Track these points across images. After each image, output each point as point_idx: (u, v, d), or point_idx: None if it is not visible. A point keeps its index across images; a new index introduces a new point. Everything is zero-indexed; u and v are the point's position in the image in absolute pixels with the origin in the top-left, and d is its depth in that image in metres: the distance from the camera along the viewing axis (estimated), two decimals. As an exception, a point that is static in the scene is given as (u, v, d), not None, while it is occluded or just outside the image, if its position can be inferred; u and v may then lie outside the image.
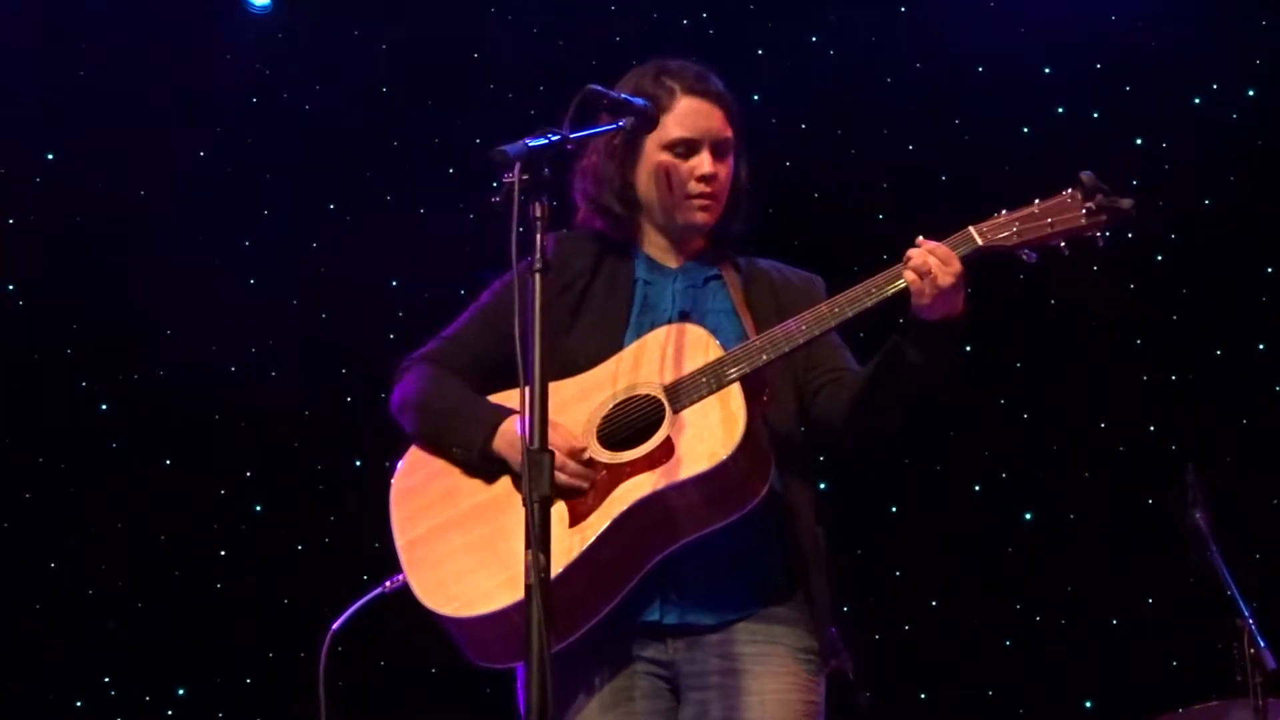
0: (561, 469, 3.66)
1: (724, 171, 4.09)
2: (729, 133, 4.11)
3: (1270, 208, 7.50)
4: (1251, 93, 7.66)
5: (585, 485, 3.73)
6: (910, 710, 7.33)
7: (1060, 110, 7.71)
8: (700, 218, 4.08)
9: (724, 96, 4.14)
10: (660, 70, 4.12)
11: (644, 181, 4.10)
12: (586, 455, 3.76)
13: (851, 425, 3.96)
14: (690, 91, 4.08)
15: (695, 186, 4.05)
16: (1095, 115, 7.69)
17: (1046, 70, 7.75)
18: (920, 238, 3.75)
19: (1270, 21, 7.61)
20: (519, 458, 3.71)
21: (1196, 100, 7.69)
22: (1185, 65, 7.59)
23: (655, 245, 4.16)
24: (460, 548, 3.82)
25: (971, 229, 3.76)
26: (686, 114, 4.04)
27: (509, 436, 3.81)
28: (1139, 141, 7.66)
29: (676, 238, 4.15)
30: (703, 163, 4.05)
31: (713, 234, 4.18)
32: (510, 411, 3.86)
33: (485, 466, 3.86)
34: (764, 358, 3.76)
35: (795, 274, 4.22)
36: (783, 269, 4.23)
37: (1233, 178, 7.56)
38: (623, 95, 3.80)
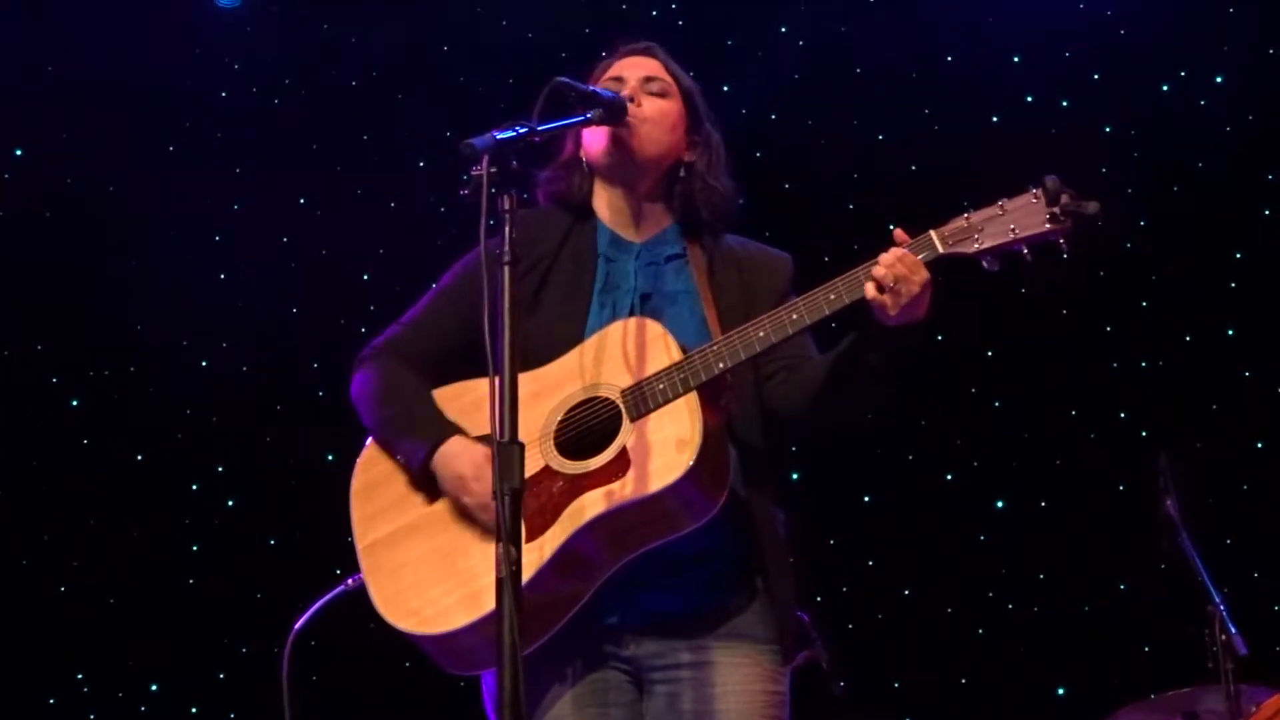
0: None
1: (655, 103, 4.07)
2: (662, 74, 4.13)
3: (1238, 194, 7.53)
4: (1219, 79, 7.68)
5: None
6: (883, 699, 7.34)
7: (1029, 99, 7.73)
8: (629, 128, 4.00)
9: (656, 50, 4.19)
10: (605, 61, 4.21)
11: (587, 144, 4.10)
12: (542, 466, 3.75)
13: (805, 416, 3.94)
14: (622, 54, 4.18)
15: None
16: (1064, 103, 7.71)
17: (1015, 59, 7.76)
18: (896, 231, 3.71)
19: (1238, 8, 7.63)
20: (453, 487, 3.76)
21: (1165, 87, 7.71)
22: (1154, 52, 7.61)
23: (614, 211, 4.12)
24: (418, 557, 3.81)
25: (933, 234, 3.67)
26: (618, 65, 4.12)
27: (447, 463, 3.80)
28: (1108, 129, 7.68)
29: (628, 187, 4.10)
30: (626, 88, 4.05)
31: (680, 217, 4.14)
32: (454, 431, 3.84)
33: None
34: (720, 366, 3.71)
35: (761, 251, 4.18)
36: (749, 245, 4.19)
37: (1201, 164, 7.59)
38: (591, 88, 3.80)
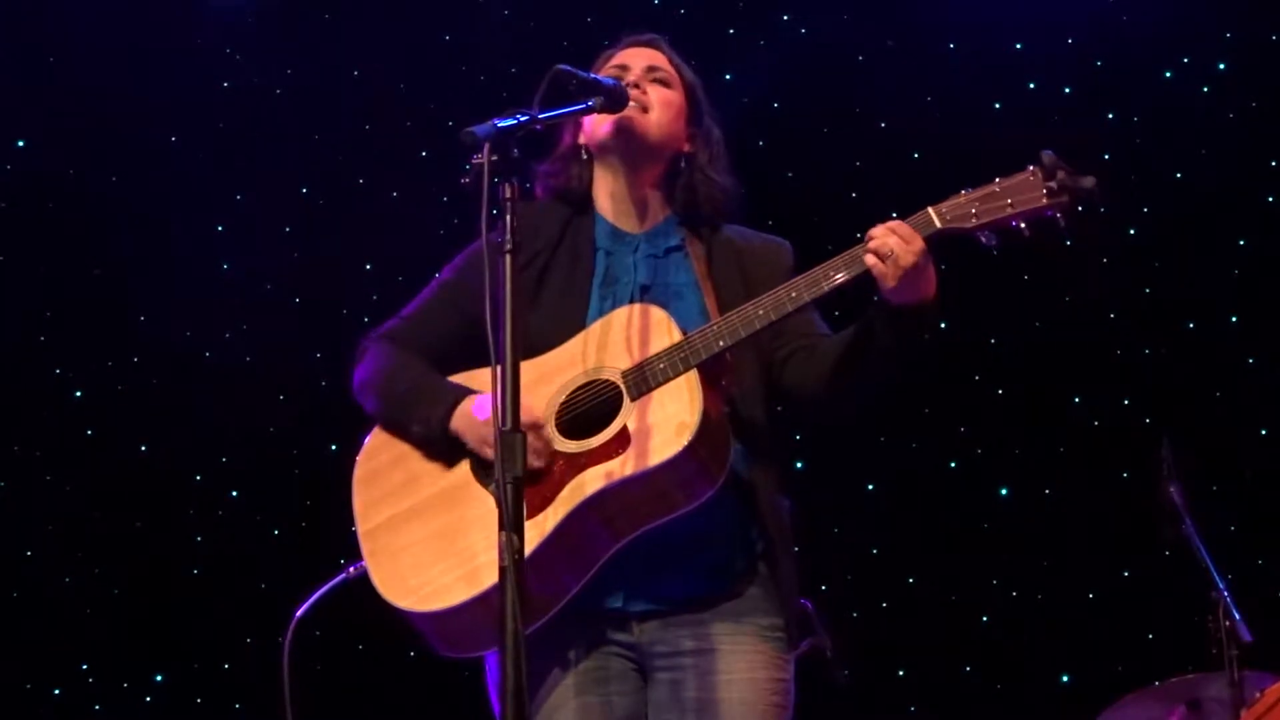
0: None
1: (658, 91, 4.11)
2: (666, 65, 4.16)
3: (1241, 181, 7.52)
4: (1222, 66, 7.67)
5: (541, 463, 3.71)
6: (887, 687, 7.34)
7: (1031, 85, 7.72)
8: (634, 114, 4.03)
9: (660, 42, 4.22)
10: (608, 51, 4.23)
11: (590, 130, 4.11)
12: (545, 436, 3.76)
13: (821, 397, 3.93)
14: (626, 44, 4.21)
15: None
16: (1067, 90, 7.70)
17: (1018, 46, 7.75)
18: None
19: (1240, -5, 7.64)
20: (475, 437, 3.76)
21: (1167, 74, 7.70)
22: (1156, 39, 7.60)
23: (614, 200, 4.13)
24: (419, 539, 3.83)
25: (930, 210, 3.69)
26: (621, 55, 4.15)
27: (467, 416, 3.81)
28: (1110, 116, 7.67)
29: (629, 174, 4.12)
30: (630, 75, 4.09)
31: (679, 209, 4.15)
32: (469, 391, 3.87)
33: (445, 446, 3.86)
34: (720, 344, 3.73)
35: (760, 239, 4.19)
36: (747, 234, 4.20)
37: (1204, 151, 7.58)
38: (592, 75, 3.79)
